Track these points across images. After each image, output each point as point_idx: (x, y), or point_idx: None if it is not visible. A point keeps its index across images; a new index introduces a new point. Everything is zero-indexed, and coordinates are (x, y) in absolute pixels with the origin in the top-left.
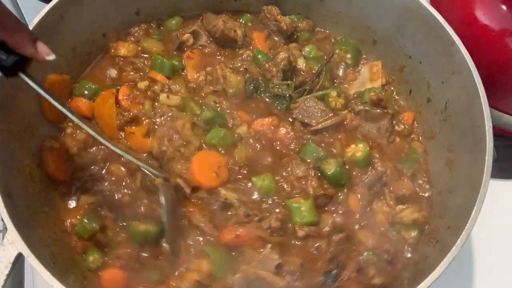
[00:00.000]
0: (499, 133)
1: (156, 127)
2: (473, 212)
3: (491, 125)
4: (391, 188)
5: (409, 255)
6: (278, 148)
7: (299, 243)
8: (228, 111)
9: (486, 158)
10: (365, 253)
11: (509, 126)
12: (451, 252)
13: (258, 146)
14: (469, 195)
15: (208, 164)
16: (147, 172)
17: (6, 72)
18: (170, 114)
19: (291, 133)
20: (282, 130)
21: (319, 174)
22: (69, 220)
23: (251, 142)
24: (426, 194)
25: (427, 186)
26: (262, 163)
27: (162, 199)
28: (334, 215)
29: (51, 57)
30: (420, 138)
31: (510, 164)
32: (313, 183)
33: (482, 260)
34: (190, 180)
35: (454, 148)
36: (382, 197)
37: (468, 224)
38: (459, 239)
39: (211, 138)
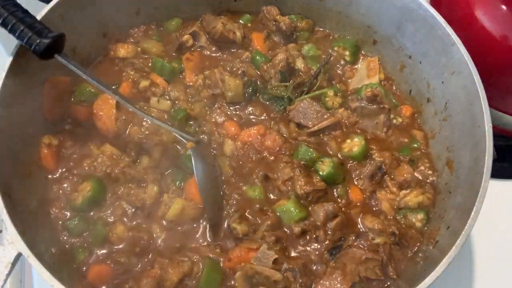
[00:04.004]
0: (499, 133)
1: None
2: (473, 212)
3: (491, 125)
4: (392, 176)
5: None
6: (266, 156)
7: (298, 241)
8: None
9: (486, 158)
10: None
11: (509, 126)
12: (451, 252)
13: (245, 160)
14: (469, 195)
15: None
16: (178, 136)
17: (40, 55)
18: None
19: (278, 140)
20: (269, 138)
21: (312, 169)
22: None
23: (237, 155)
24: (430, 179)
25: (430, 172)
26: (251, 176)
27: (194, 166)
28: (325, 204)
29: None
30: (420, 125)
31: (510, 164)
32: (300, 182)
33: (482, 260)
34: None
35: (454, 148)
36: (384, 186)
37: (468, 224)
38: (459, 239)
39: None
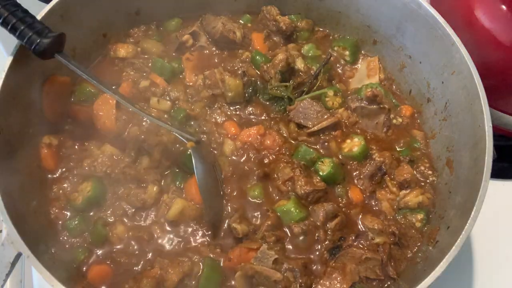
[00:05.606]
0: (499, 133)
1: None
2: (473, 212)
3: (491, 125)
4: (392, 176)
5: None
6: (266, 156)
7: (299, 241)
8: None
9: (486, 158)
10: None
11: (509, 126)
12: (451, 252)
13: (245, 160)
14: (469, 195)
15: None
16: (178, 136)
17: (40, 55)
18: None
19: (278, 140)
20: (269, 138)
21: (312, 169)
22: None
23: (237, 155)
24: (429, 179)
25: (430, 172)
26: (251, 176)
27: (195, 165)
28: (325, 204)
29: None
30: (420, 125)
31: (510, 164)
32: (300, 182)
33: (482, 260)
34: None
35: (454, 148)
36: (384, 186)
37: (468, 224)
38: (459, 239)
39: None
